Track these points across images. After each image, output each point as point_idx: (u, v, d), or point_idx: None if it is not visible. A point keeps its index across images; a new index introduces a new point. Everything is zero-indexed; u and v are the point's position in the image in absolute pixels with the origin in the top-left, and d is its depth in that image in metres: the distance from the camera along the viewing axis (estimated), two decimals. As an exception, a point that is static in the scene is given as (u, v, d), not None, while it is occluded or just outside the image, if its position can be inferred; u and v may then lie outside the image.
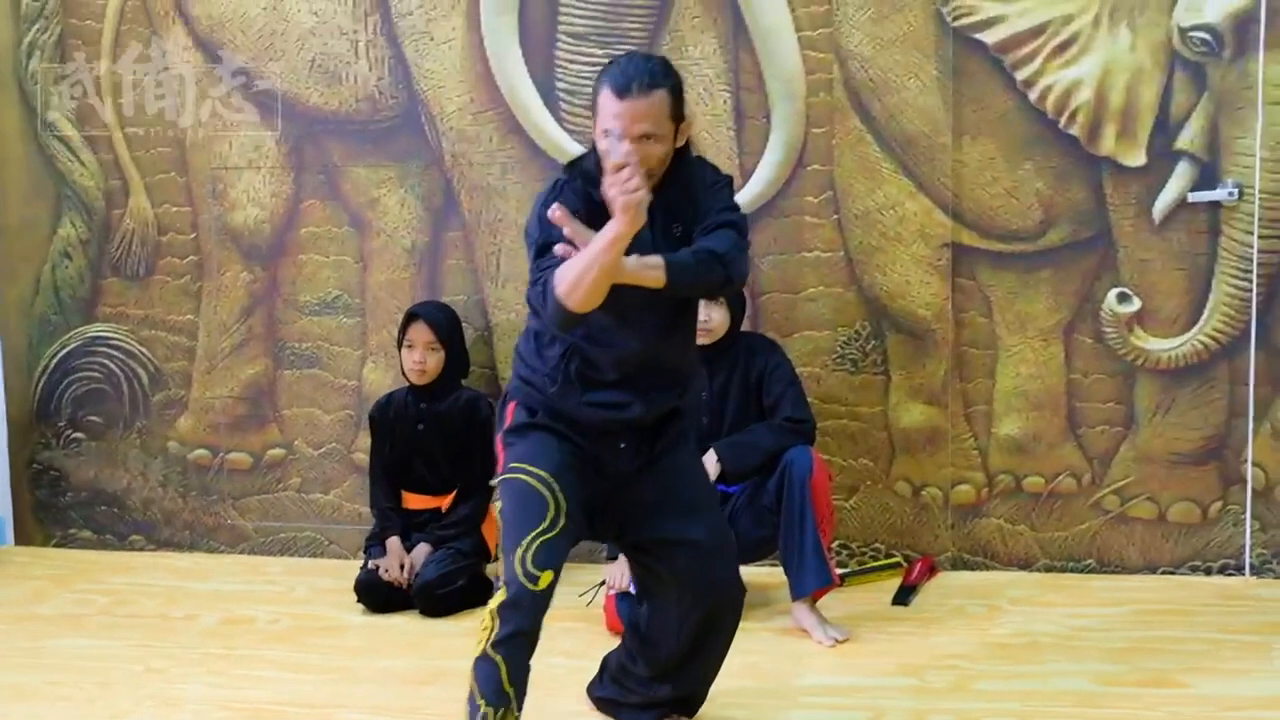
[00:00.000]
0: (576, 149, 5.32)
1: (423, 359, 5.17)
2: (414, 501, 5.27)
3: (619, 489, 3.67)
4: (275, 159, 5.63)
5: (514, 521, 3.54)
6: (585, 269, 3.28)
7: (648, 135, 3.44)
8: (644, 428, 3.67)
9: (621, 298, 3.37)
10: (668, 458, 3.71)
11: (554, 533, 3.48)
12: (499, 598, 3.46)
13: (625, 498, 3.68)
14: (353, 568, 5.30)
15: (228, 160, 5.66)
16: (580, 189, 3.52)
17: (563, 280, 3.33)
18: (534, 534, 3.47)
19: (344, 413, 5.65)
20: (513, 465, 3.60)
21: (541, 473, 3.54)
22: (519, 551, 3.45)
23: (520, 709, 3.48)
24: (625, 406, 3.61)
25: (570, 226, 3.30)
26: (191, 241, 5.71)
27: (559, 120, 5.37)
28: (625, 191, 3.20)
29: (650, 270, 3.36)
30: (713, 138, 5.28)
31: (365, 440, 5.55)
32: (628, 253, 3.31)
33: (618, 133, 3.43)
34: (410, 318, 5.21)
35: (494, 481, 3.69)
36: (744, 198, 5.25)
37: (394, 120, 5.53)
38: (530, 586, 3.43)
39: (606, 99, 3.46)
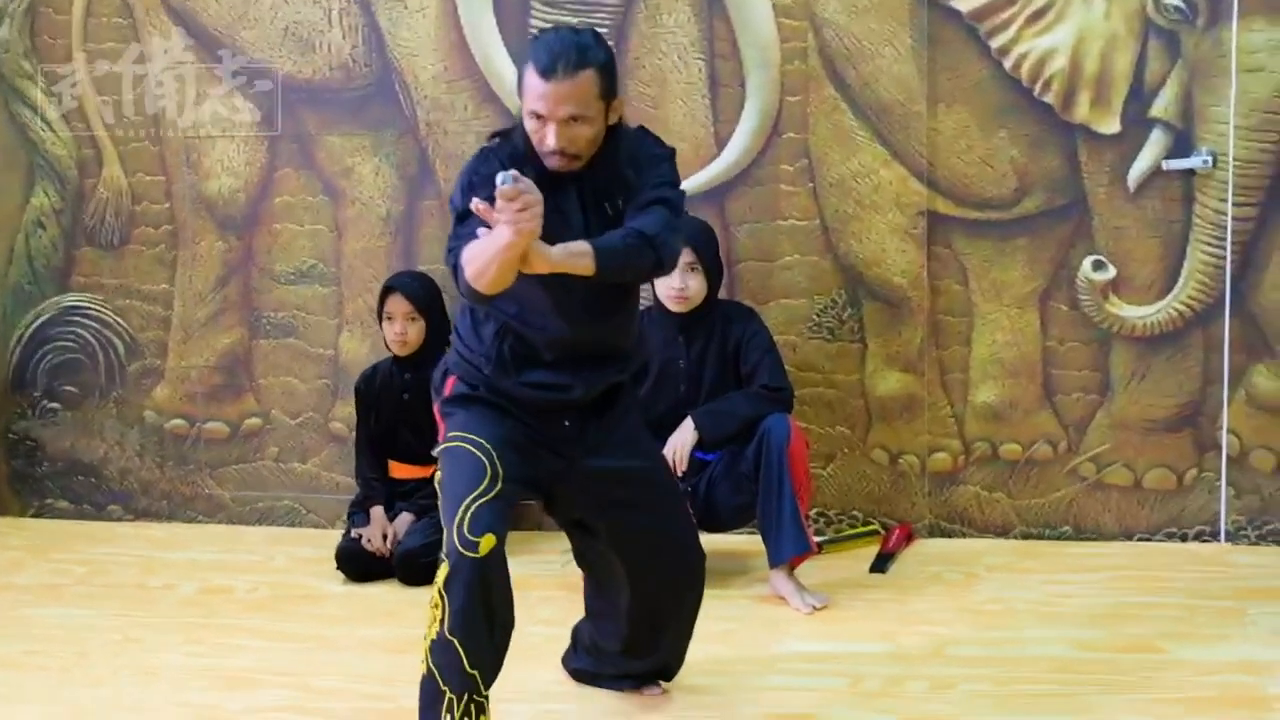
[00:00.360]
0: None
1: (403, 330, 5.16)
2: (400, 471, 5.26)
3: (571, 465, 3.55)
4: (249, 128, 5.61)
5: (450, 489, 3.40)
6: (489, 260, 3.14)
7: (575, 117, 3.29)
8: (586, 405, 3.56)
9: (552, 281, 3.26)
10: (618, 431, 3.61)
11: (490, 495, 3.34)
12: (442, 573, 3.30)
13: (577, 473, 3.56)
14: (331, 537, 5.31)
15: (201, 129, 5.64)
16: (506, 164, 3.24)
17: (470, 262, 3.19)
18: (470, 498, 3.32)
19: (320, 382, 5.65)
20: (451, 435, 3.50)
21: (480, 439, 3.43)
22: (455, 519, 3.31)
23: (488, 687, 3.35)
24: (564, 389, 3.50)
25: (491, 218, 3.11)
26: (166, 211, 5.69)
27: (535, 88, 5.35)
28: (516, 224, 3.04)
29: (579, 259, 3.20)
30: (687, 105, 5.28)
31: (342, 409, 5.55)
32: (556, 238, 3.19)
33: (544, 114, 3.29)
34: (387, 290, 5.20)
35: (435, 451, 3.56)
36: (719, 166, 5.27)
37: (368, 89, 5.52)
38: (469, 554, 3.26)
39: (531, 79, 3.30)
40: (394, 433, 5.25)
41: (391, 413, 5.25)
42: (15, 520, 5.85)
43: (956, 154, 5.16)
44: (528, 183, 3.07)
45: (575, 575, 4.75)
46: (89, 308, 5.76)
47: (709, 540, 5.01)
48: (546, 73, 3.26)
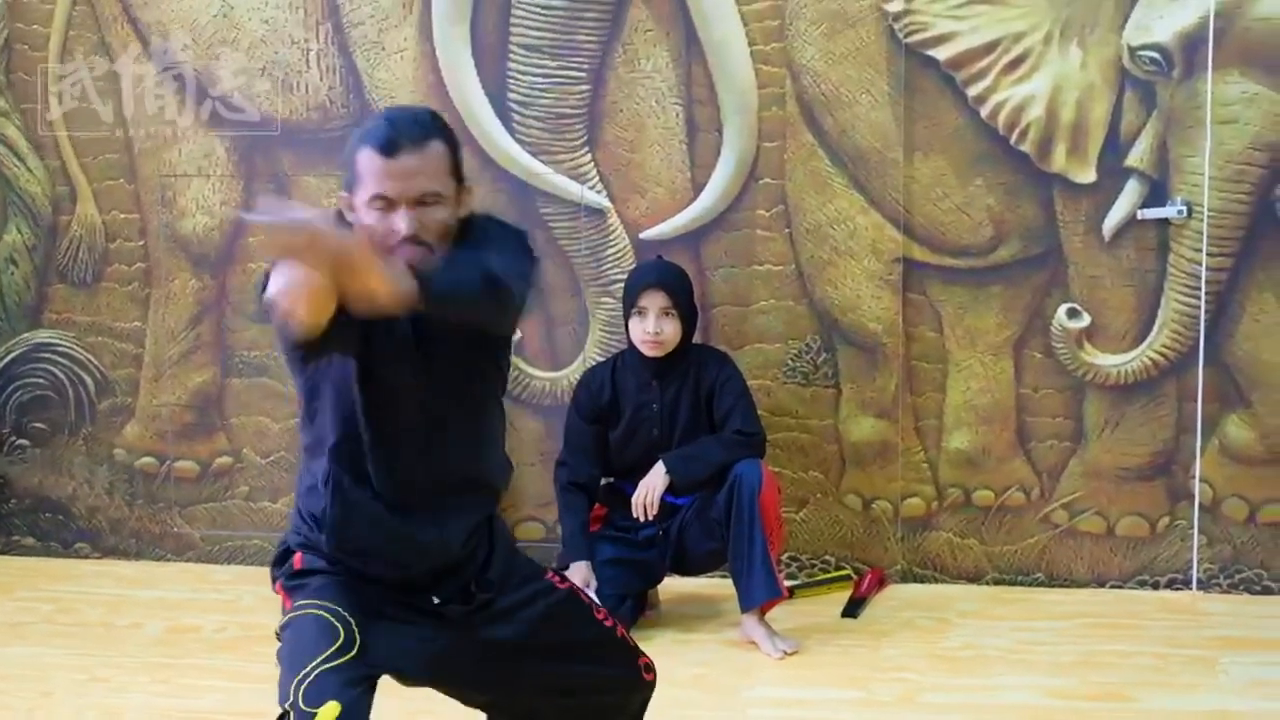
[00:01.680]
0: (528, 160, 5.33)
1: None
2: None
3: (461, 633, 2.92)
4: (225, 167, 5.60)
5: (290, 659, 2.75)
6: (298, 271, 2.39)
7: (427, 196, 2.75)
8: (455, 563, 2.91)
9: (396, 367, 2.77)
10: (511, 578, 3.00)
11: (341, 660, 2.72)
12: None
13: (474, 641, 2.93)
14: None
15: (176, 168, 5.63)
16: None
17: (275, 283, 2.44)
18: (314, 663, 2.69)
19: (293, 421, 5.60)
20: (299, 604, 2.85)
21: (335, 607, 2.80)
22: (290, 688, 2.68)
23: None
24: (418, 549, 2.85)
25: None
26: (140, 248, 5.67)
27: (511, 132, 5.36)
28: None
29: (403, 280, 2.50)
30: (664, 150, 5.29)
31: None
32: (389, 336, 2.71)
33: (392, 196, 2.73)
34: None
35: (276, 629, 2.90)
36: (695, 210, 5.28)
37: (345, 129, 5.49)
38: None
39: (370, 160, 2.75)
40: None
41: None
42: (-17, 557, 5.82)
43: (933, 201, 5.17)
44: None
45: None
46: (60, 344, 5.72)
47: (679, 584, 5.05)
48: (389, 148, 2.74)
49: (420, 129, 2.77)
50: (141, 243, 5.66)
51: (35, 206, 5.71)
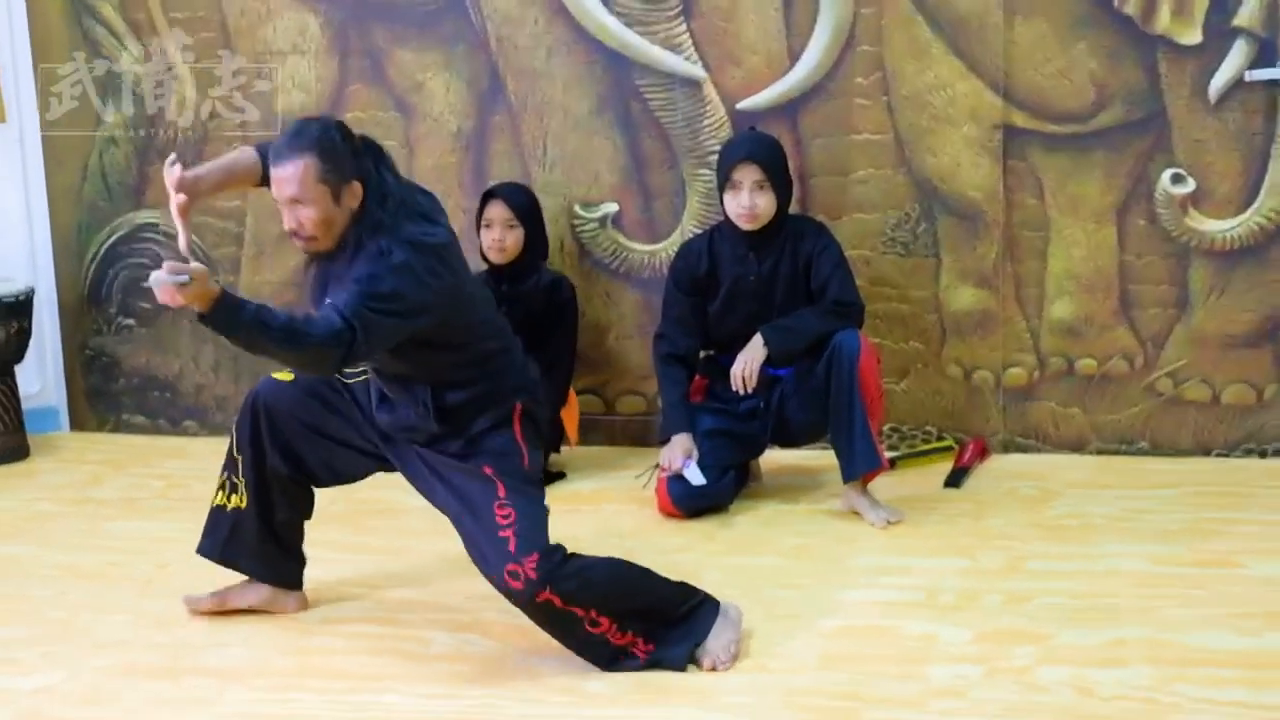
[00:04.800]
0: (623, 32, 5.29)
1: (501, 237, 5.13)
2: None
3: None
4: (320, 43, 5.60)
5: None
6: None
7: (296, 200, 3.54)
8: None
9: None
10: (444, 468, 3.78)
11: None
12: None
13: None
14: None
15: (272, 45, 5.63)
16: None
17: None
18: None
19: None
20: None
21: None
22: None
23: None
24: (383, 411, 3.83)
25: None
26: (238, 127, 5.70)
27: (605, 3, 5.32)
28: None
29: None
30: (760, 19, 5.23)
31: (414, 325, 5.57)
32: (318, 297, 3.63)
33: (276, 198, 3.60)
34: (488, 196, 5.18)
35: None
36: (792, 79, 5.23)
37: (439, 3, 5.49)
38: None
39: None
40: None
41: None
42: (93, 435, 5.91)
43: (1034, 66, 5.09)
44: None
45: (650, 490, 4.79)
46: (163, 224, 5.77)
47: (781, 455, 5.06)
48: (273, 159, 3.59)
49: (292, 146, 3.54)
50: (240, 121, 5.69)
51: (135, 86, 5.74)
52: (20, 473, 5.52)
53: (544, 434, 3.95)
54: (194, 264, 3.37)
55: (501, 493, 3.66)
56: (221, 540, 4.02)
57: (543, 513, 3.70)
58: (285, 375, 3.92)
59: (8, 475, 5.48)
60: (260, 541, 4.01)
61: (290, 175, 3.53)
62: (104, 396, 5.96)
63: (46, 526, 4.92)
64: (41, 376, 5.94)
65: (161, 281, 3.31)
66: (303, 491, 4.04)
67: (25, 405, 5.73)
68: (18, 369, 5.70)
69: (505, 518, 3.61)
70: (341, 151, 3.57)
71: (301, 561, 4.12)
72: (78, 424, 6.00)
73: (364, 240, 3.56)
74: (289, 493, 4.00)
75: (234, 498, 3.98)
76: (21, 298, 5.58)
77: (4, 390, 5.62)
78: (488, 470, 3.70)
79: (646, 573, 3.71)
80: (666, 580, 3.71)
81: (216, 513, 4.02)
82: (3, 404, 5.62)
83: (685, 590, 3.72)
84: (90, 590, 4.28)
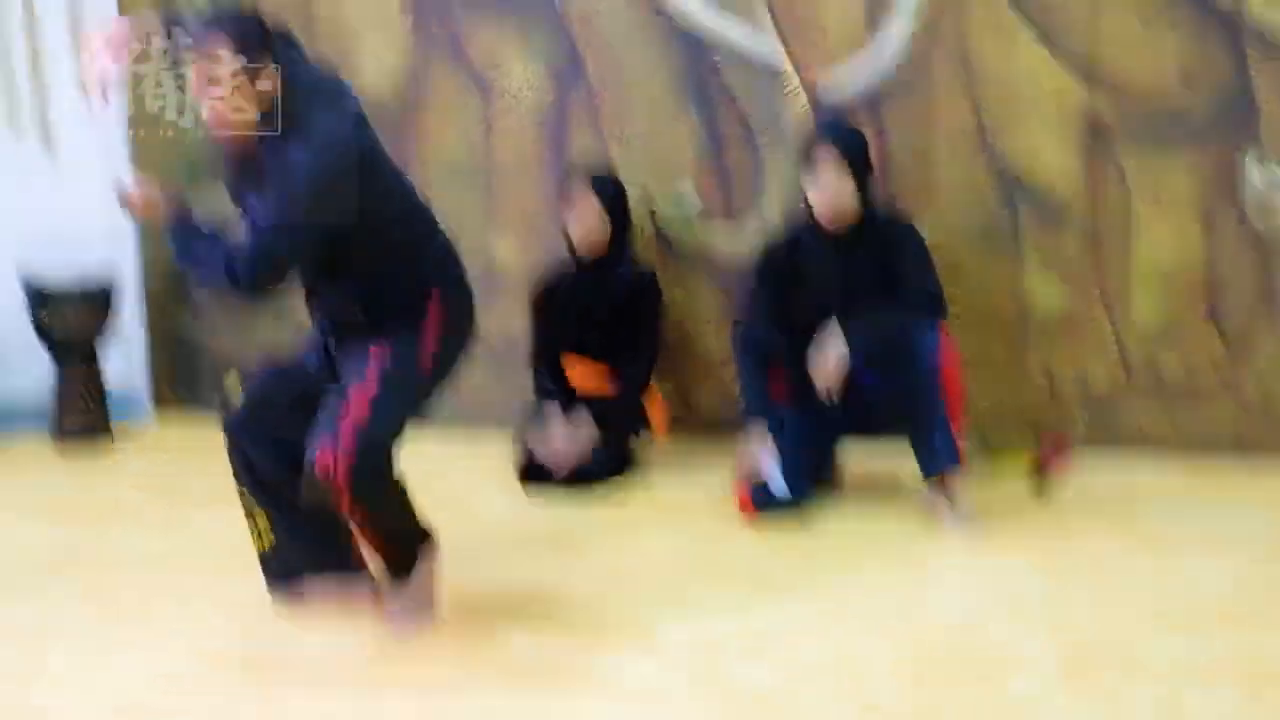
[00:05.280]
0: (703, 13, 5.26)
1: (589, 230, 5.15)
2: (580, 377, 5.27)
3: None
4: (399, 21, 5.60)
5: None
6: None
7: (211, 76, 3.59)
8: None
9: None
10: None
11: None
12: None
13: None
14: (484, 445, 5.43)
15: (352, 23, 5.64)
16: None
17: None
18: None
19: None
20: None
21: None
22: None
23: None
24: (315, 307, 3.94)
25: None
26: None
27: (686, -15, 5.30)
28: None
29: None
30: (842, 5, 5.20)
31: (492, 307, 5.58)
32: (240, 193, 3.73)
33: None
34: (577, 185, 5.19)
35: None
36: (874, 68, 5.18)
37: (515, -20, 5.50)
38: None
39: None
40: (576, 337, 5.26)
41: (574, 317, 5.25)
42: (175, 421, 5.96)
43: (1122, 57, 5.02)
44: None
45: (727, 494, 4.78)
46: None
47: (860, 449, 5.03)
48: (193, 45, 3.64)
49: (210, 28, 3.59)
50: (317, 104, 5.70)
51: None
52: (103, 458, 5.58)
53: (468, 317, 3.97)
54: (135, 195, 3.68)
55: (372, 390, 3.70)
56: (278, 578, 4.05)
57: (394, 417, 3.73)
58: (236, 388, 3.96)
59: (91, 460, 5.55)
60: (303, 548, 4.01)
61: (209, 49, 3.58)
62: (186, 382, 6.01)
63: (128, 512, 4.98)
64: (126, 363, 6.00)
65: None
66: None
67: (109, 391, 5.79)
68: (102, 355, 5.76)
69: (360, 413, 3.66)
70: (256, 36, 3.63)
71: (351, 542, 4.07)
72: (161, 410, 6.06)
73: (277, 128, 3.61)
74: (299, 486, 3.94)
75: (261, 537, 4.01)
76: (107, 285, 5.64)
77: (89, 376, 5.69)
78: (372, 362, 3.75)
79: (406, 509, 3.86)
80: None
81: (260, 558, 4.05)
82: (88, 389, 5.69)
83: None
84: (169, 577, 4.33)
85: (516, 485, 5.07)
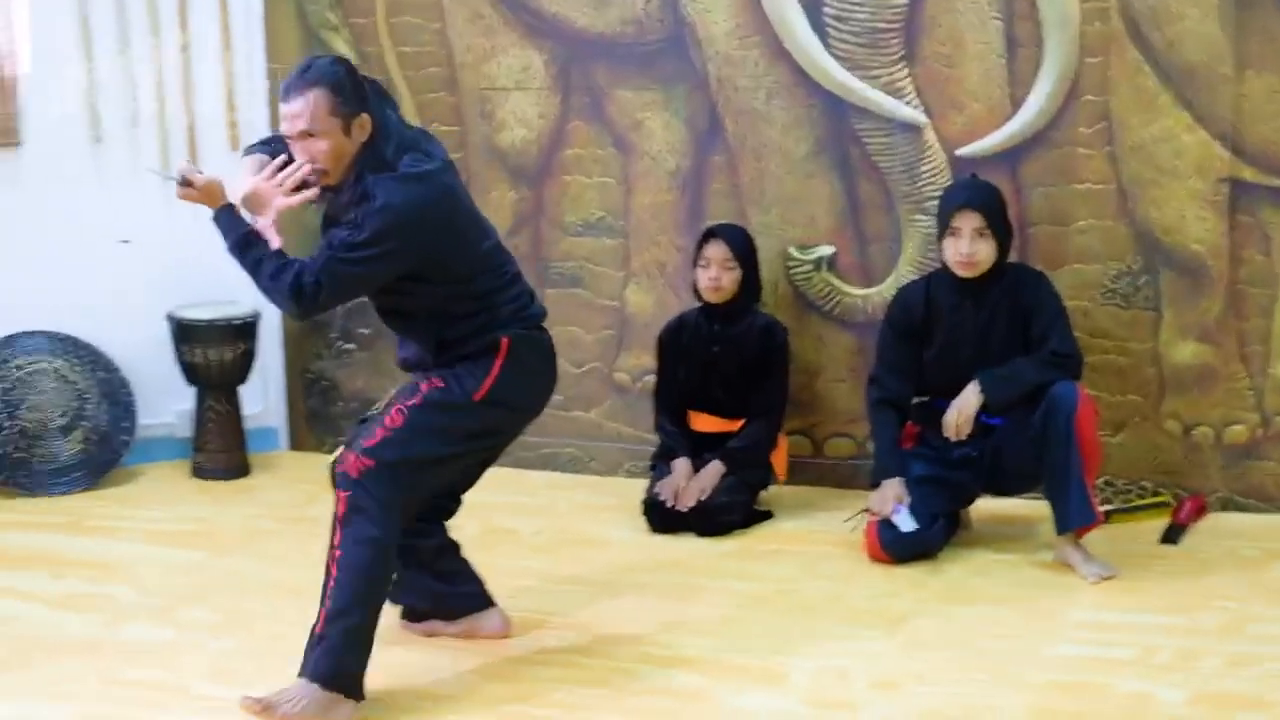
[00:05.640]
0: (843, 75, 5.29)
1: (718, 277, 5.18)
2: (704, 424, 5.29)
3: None
4: (543, 80, 5.69)
5: None
6: None
7: (308, 133, 3.66)
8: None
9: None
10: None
11: None
12: None
13: None
14: (611, 485, 5.48)
15: (496, 81, 5.74)
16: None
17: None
18: None
19: (606, 332, 5.71)
20: None
21: None
22: None
23: None
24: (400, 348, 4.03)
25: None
26: (459, 161, 5.73)
27: (826, 45, 5.32)
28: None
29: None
30: (983, 66, 5.20)
31: (626, 360, 5.63)
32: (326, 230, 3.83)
33: (286, 134, 3.73)
34: (708, 235, 5.23)
35: None
36: (1014, 127, 5.19)
37: (660, 43, 5.54)
38: None
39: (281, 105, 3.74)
40: (699, 385, 5.28)
41: (698, 365, 5.27)
42: (311, 456, 6.03)
43: (1265, 120, 4.98)
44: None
45: (858, 534, 4.77)
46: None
47: (993, 504, 5.00)
48: (282, 95, 3.70)
49: (301, 79, 3.65)
50: (461, 155, 5.78)
51: (362, 119, 5.88)
52: (241, 490, 5.68)
53: (539, 368, 4.01)
54: (204, 175, 3.78)
55: (413, 403, 3.78)
56: (404, 612, 4.20)
57: (425, 444, 3.76)
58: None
59: (229, 492, 5.64)
60: (427, 589, 4.14)
61: (301, 109, 3.65)
62: (322, 418, 6.10)
63: (264, 543, 5.06)
64: (264, 397, 6.10)
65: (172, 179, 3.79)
66: (425, 526, 4.11)
67: (247, 425, 5.90)
68: (241, 390, 5.87)
69: (392, 421, 3.76)
70: (349, 85, 3.70)
71: (475, 581, 4.18)
72: (296, 444, 6.15)
73: (367, 175, 3.67)
74: (419, 534, 4.07)
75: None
76: (247, 320, 5.76)
77: (228, 410, 5.79)
78: (424, 385, 3.80)
79: (373, 619, 3.75)
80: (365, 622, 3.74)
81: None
82: (227, 423, 5.79)
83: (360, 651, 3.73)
84: (304, 607, 4.34)
85: (643, 523, 5.07)
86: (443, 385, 3.80)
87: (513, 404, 3.92)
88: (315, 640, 3.70)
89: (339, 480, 3.78)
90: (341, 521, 3.74)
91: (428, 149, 3.79)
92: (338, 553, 3.73)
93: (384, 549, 3.74)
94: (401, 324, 3.92)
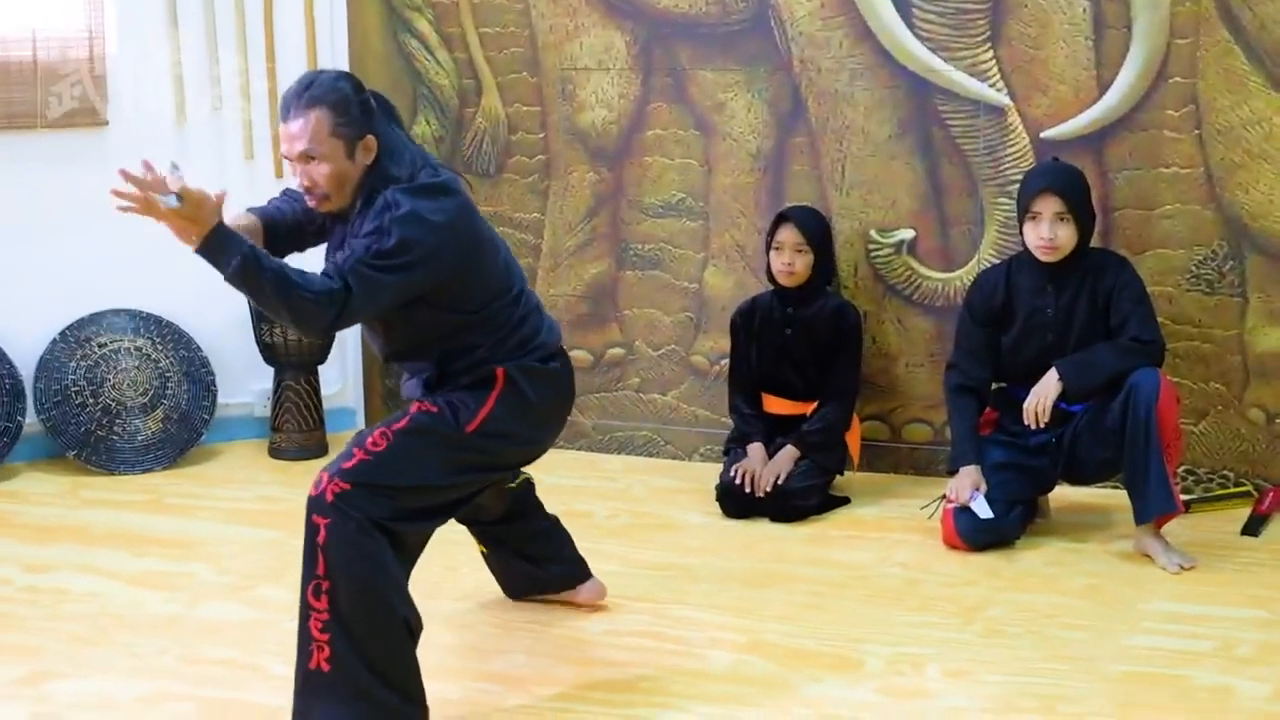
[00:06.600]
0: (927, 56, 5.25)
1: (791, 261, 5.15)
2: (777, 406, 5.27)
3: None
4: (624, 61, 5.67)
5: None
6: None
7: (308, 156, 3.44)
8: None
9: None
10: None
11: None
12: None
13: None
14: (688, 468, 5.47)
15: (578, 61, 5.73)
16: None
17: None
18: None
19: (684, 315, 5.70)
20: None
21: None
22: None
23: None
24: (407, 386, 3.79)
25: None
26: (540, 141, 5.81)
27: (911, 26, 5.27)
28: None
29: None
30: (1069, 47, 5.13)
31: (704, 343, 5.61)
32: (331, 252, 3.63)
33: (286, 155, 3.52)
34: (780, 219, 5.21)
35: None
36: (1099, 110, 5.12)
37: (743, 24, 5.52)
38: None
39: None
40: (772, 368, 5.26)
41: (771, 348, 5.26)
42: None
43: (1356, 102, 4.90)
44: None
45: (935, 521, 4.74)
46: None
47: (1071, 492, 4.95)
48: (282, 114, 3.49)
49: (301, 99, 3.43)
50: (542, 135, 5.80)
51: (443, 99, 5.90)
52: (316, 468, 5.70)
53: (544, 399, 3.72)
54: (194, 188, 3.24)
55: (399, 425, 3.52)
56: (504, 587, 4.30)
57: (408, 468, 3.46)
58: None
59: (307, 471, 5.63)
60: (520, 573, 4.23)
61: (300, 130, 3.43)
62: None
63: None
64: (342, 377, 6.14)
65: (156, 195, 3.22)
66: (495, 526, 4.15)
67: (325, 405, 5.94)
68: (320, 369, 5.91)
69: (374, 444, 3.47)
70: (355, 104, 3.48)
71: (564, 562, 4.22)
72: (372, 424, 6.17)
73: (375, 196, 3.45)
74: (494, 528, 4.15)
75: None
76: (328, 300, 5.80)
77: (307, 390, 5.83)
78: (414, 408, 3.59)
79: (399, 633, 3.43)
80: (407, 662, 3.44)
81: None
82: (305, 403, 5.83)
83: (407, 691, 3.43)
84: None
85: (718, 508, 5.06)
86: (434, 411, 3.56)
87: (514, 437, 3.67)
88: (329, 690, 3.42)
89: (312, 505, 3.44)
90: (323, 549, 3.39)
91: (436, 166, 3.60)
92: (325, 584, 3.38)
93: (381, 568, 3.43)
94: (407, 351, 3.69)
